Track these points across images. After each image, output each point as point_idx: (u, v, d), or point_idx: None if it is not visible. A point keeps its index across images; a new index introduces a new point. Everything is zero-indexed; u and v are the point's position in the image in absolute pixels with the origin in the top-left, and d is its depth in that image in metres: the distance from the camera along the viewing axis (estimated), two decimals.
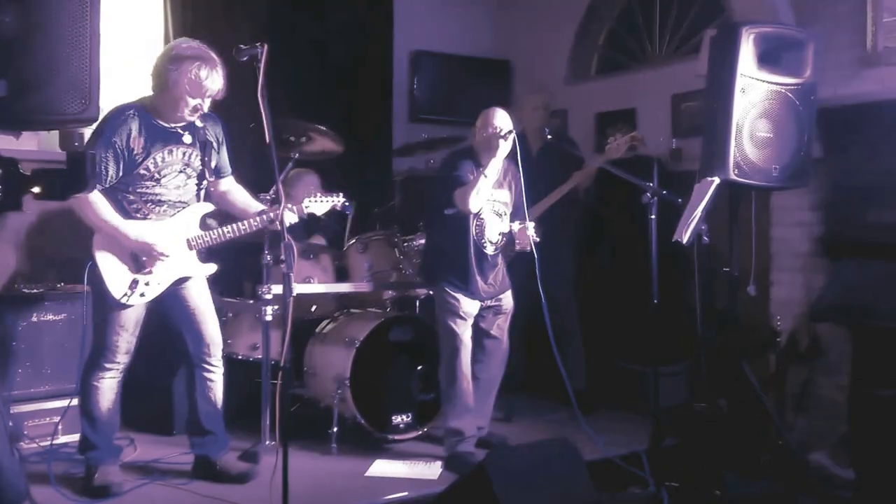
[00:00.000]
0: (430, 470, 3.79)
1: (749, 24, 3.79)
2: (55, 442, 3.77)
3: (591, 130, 5.89)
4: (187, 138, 3.44)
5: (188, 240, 3.47)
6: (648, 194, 3.59)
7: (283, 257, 2.97)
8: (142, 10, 5.11)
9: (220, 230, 3.51)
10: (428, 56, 6.35)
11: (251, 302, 4.33)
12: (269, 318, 3.96)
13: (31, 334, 4.01)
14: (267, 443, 3.90)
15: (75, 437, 3.63)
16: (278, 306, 3.94)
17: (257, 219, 3.52)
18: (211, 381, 3.59)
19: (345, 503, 3.45)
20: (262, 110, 2.91)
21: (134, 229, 3.34)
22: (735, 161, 3.71)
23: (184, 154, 3.44)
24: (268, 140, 2.99)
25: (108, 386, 3.46)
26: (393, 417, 4.15)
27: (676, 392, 4.60)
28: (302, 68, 5.51)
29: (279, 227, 3.16)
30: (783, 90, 3.82)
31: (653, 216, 3.59)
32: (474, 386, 3.93)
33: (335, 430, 4.04)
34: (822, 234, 4.44)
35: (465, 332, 3.88)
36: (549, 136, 4.34)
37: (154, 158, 3.36)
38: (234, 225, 3.52)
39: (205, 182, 3.54)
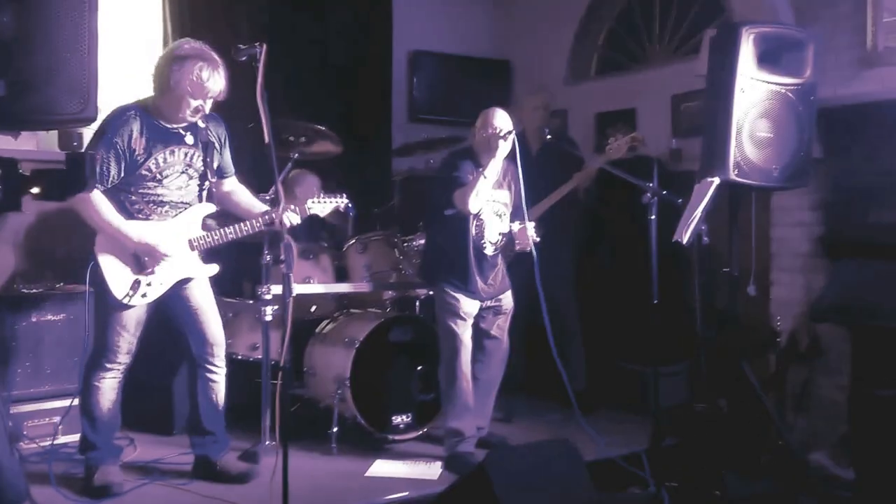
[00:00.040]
0: (430, 470, 3.79)
1: (749, 24, 3.79)
2: (55, 442, 3.76)
3: (590, 130, 5.89)
4: (189, 139, 3.44)
5: (190, 240, 3.47)
6: (648, 194, 3.58)
7: (282, 257, 2.97)
8: (141, 10, 5.11)
9: (222, 231, 3.51)
10: (427, 56, 6.35)
11: (251, 302, 4.33)
12: (268, 318, 3.96)
13: (30, 334, 4.00)
14: (267, 443, 3.90)
15: (75, 438, 3.63)
16: (278, 306, 3.94)
17: (259, 220, 3.52)
18: (213, 381, 3.59)
19: (345, 503, 3.44)
20: (262, 110, 2.91)
21: (136, 230, 3.33)
22: (735, 161, 3.71)
23: (186, 155, 3.44)
24: (267, 140, 2.99)
25: (108, 386, 3.46)
26: (393, 418, 4.15)
27: (676, 392, 4.60)
28: (301, 68, 5.51)
29: (281, 228, 3.16)
30: (783, 90, 3.82)
31: (653, 216, 3.58)
32: (474, 386, 3.93)
33: (335, 430, 4.03)
34: (823, 234, 4.44)
35: (465, 332, 3.87)
36: (548, 137, 4.33)
37: (156, 159, 3.36)
38: (237, 226, 3.52)
39: (207, 183, 3.54)
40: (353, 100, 5.85)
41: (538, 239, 3.94)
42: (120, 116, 3.32)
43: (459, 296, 3.86)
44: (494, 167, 3.78)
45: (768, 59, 3.77)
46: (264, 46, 2.99)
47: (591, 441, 3.94)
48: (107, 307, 3.37)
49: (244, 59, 3.04)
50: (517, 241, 3.93)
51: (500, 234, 3.97)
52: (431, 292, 4.12)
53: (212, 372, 3.58)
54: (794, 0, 4.52)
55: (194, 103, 3.31)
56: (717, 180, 3.65)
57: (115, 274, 3.34)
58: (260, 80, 2.93)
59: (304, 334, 4.48)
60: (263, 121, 2.93)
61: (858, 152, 4.24)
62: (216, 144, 3.54)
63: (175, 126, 3.40)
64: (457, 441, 3.86)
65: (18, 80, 2.19)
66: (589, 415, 4.25)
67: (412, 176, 5.32)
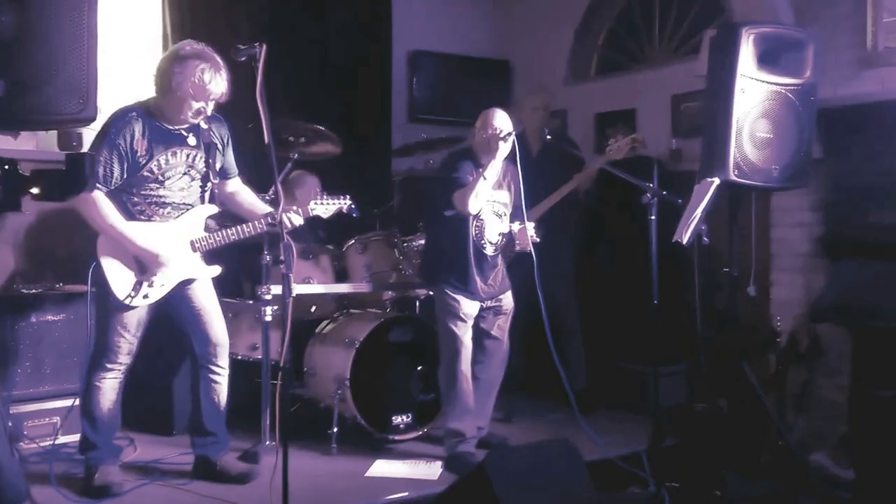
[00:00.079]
0: (431, 470, 3.79)
1: (749, 24, 3.79)
2: (55, 442, 3.76)
3: (590, 131, 5.89)
4: (192, 140, 3.44)
5: (192, 242, 3.47)
6: (648, 195, 3.58)
7: (282, 258, 2.97)
8: (141, 10, 5.11)
9: (224, 232, 3.51)
10: (427, 56, 6.35)
11: (251, 302, 4.33)
12: (268, 318, 3.96)
13: (30, 334, 4.01)
14: (267, 443, 3.90)
15: (75, 438, 3.63)
16: (278, 307, 3.94)
17: (262, 221, 3.51)
18: (216, 382, 3.59)
19: (345, 503, 3.44)
20: (261, 110, 2.91)
21: (139, 234, 3.33)
22: (735, 162, 3.71)
23: (188, 156, 3.43)
24: (267, 140, 2.98)
25: (109, 386, 3.46)
26: (393, 418, 4.15)
27: (676, 392, 4.60)
28: (301, 68, 5.51)
29: (283, 230, 3.16)
30: (783, 90, 3.81)
31: (653, 217, 3.58)
32: (474, 386, 3.92)
33: (335, 430, 4.03)
34: (822, 234, 4.44)
35: (465, 334, 3.87)
36: (548, 137, 4.33)
37: (158, 160, 3.35)
38: (239, 227, 3.52)
39: (209, 184, 3.54)
40: (353, 100, 5.84)
41: (538, 239, 3.94)
42: (122, 118, 3.32)
43: (460, 297, 3.86)
44: (494, 168, 3.78)
45: (768, 59, 3.77)
46: (264, 46, 2.98)
47: (590, 441, 3.93)
48: (108, 308, 3.37)
49: (244, 59, 3.03)
50: (517, 242, 3.93)
51: (500, 234, 3.97)
52: (431, 293, 4.12)
53: (215, 373, 3.58)
54: (794, 0, 4.52)
55: (196, 105, 3.31)
56: (717, 180, 3.64)
57: (117, 275, 3.34)
58: (259, 80, 2.92)
59: (304, 334, 4.48)
60: (263, 121, 2.92)
61: (858, 152, 4.24)
62: (219, 145, 3.53)
63: (177, 127, 3.40)
64: (457, 441, 3.85)
65: (18, 80, 2.19)
66: (589, 415, 4.24)
67: (412, 176, 5.33)
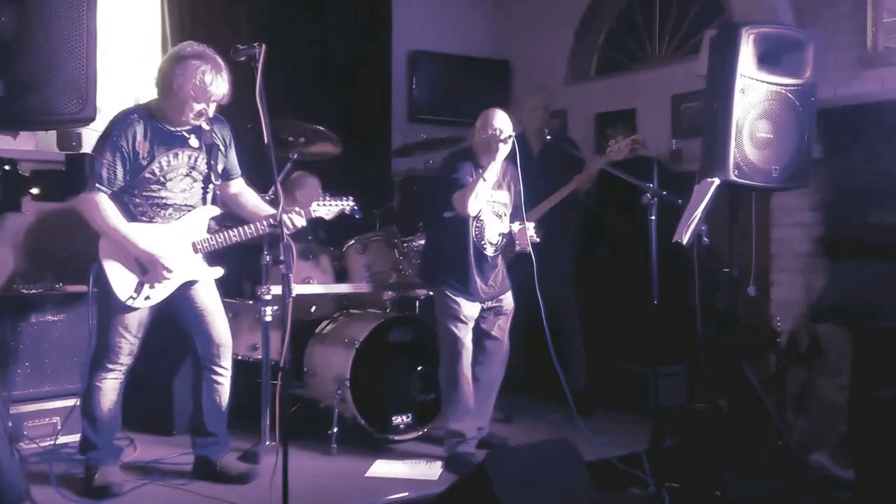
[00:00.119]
0: (431, 470, 3.79)
1: (749, 24, 3.79)
2: (56, 442, 3.76)
3: (590, 131, 5.89)
4: (193, 142, 3.44)
5: (194, 243, 3.47)
6: (648, 195, 3.58)
7: (282, 258, 2.97)
8: (140, 10, 5.11)
9: (226, 233, 3.50)
10: (427, 56, 6.35)
11: (251, 302, 4.33)
12: (268, 318, 3.96)
13: (30, 335, 4.00)
14: (267, 443, 3.90)
15: (75, 438, 3.63)
16: (278, 307, 3.94)
17: (264, 222, 3.51)
18: (218, 383, 3.59)
19: (345, 503, 3.44)
20: (261, 111, 2.91)
21: (141, 236, 3.33)
22: (735, 162, 3.71)
23: (189, 157, 3.43)
24: (266, 140, 2.98)
25: (110, 387, 3.46)
26: (393, 418, 4.14)
27: (676, 392, 4.60)
28: (301, 68, 5.51)
29: (285, 231, 3.16)
30: (783, 91, 3.81)
31: (653, 217, 3.58)
32: (475, 387, 3.92)
33: (335, 430, 4.03)
34: (823, 234, 4.44)
35: (466, 335, 3.87)
36: (548, 137, 4.33)
37: (159, 162, 3.35)
38: (241, 228, 3.51)
39: (211, 185, 3.54)
40: (353, 100, 5.84)
41: (538, 239, 3.94)
42: (124, 120, 3.32)
43: (460, 299, 3.85)
44: (493, 170, 3.77)
45: (768, 59, 3.77)
46: (263, 47, 2.98)
47: (590, 441, 3.93)
48: (109, 309, 3.38)
49: (243, 59, 3.03)
50: (517, 242, 3.93)
51: (500, 234, 3.97)
52: (431, 293, 4.12)
53: (217, 374, 3.58)
54: (794, 0, 4.52)
55: (198, 107, 3.31)
56: (717, 181, 3.64)
57: (119, 276, 3.34)
58: (259, 80, 2.92)
59: (304, 335, 4.48)
60: (263, 121, 2.92)
61: (858, 152, 4.24)
62: (221, 146, 3.53)
63: (179, 129, 3.40)
64: (457, 442, 3.85)
65: (17, 80, 2.19)
66: (589, 415, 4.24)
67: (411, 176, 5.32)
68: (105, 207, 3.26)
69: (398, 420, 4.16)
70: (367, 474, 3.75)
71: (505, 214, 3.99)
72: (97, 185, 3.22)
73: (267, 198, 3.88)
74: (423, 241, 4.45)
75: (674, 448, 3.90)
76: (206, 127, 3.45)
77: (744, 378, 3.93)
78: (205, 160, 3.47)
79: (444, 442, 3.92)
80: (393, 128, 6.08)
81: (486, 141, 3.82)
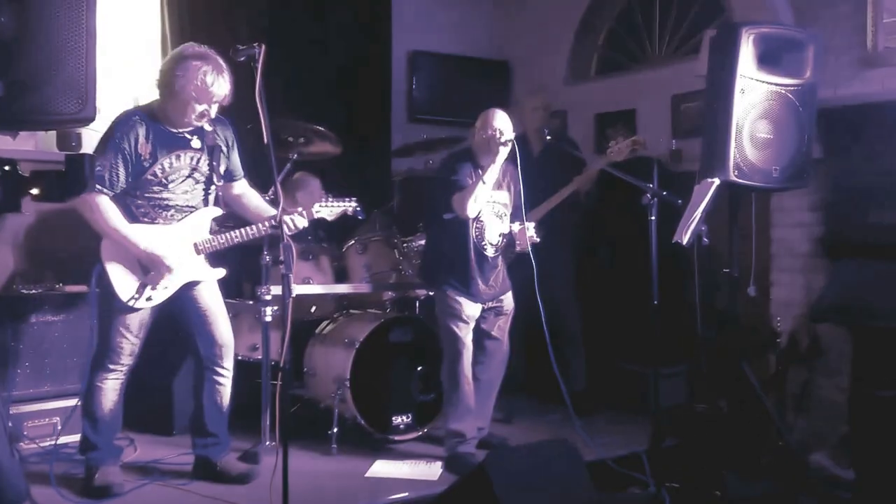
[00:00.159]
0: (431, 471, 3.79)
1: (749, 24, 3.79)
2: (56, 442, 3.76)
3: (590, 131, 5.89)
4: (196, 143, 3.43)
5: (196, 244, 3.47)
6: (648, 195, 3.58)
7: (282, 258, 2.97)
8: (141, 10, 5.11)
9: (228, 234, 3.50)
10: (426, 56, 6.34)
11: (251, 303, 4.33)
12: (268, 318, 3.96)
13: (30, 335, 4.00)
14: (267, 443, 3.91)
15: (76, 438, 3.63)
16: (278, 307, 3.94)
17: (267, 223, 3.51)
18: (220, 384, 3.59)
19: (345, 503, 3.44)
20: (260, 111, 2.91)
21: (143, 237, 3.33)
22: (735, 162, 3.70)
23: (191, 159, 3.43)
24: (266, 140, 2.98)
25: (111, 387, 3.46)
26: (393, 418, 4.14)
27: (677, 393, 4.60)
28: (301, 68, 5.51)
29: (287, 232, 3.16)
30: (783, 91, 3.81)
31: (653, 217, 3.58)
32: (475, 387, 3.92)
33: (335, 430, 4.03)
34: (823, 234, 4.44)
35: (466, 335, 3.87)
36: (548, 137, 4.33)
37: (161, 164, 3.35)
38: (243, 229, 3.51)
39: (213, 187, 3.53)
40: (353, 100, 5.84)
41: (538, 239, 3.94)
42: (126, 122, 3.31)
43: (461, 299, 3.85)
44: (493, 173, 3.76)
45: (768, 59, 3.76)
46: (263, 47, 2.98)
47: (590, 443, 3.93)
48: (111, 309, 3.38)
49: (243, 59, 3.03)
50: (517, 242, 3.93)
51: (500, 234, 3.97)
52: (432, 293, 4.12)
53: (219, 374, 3.58)
54: (794, 0, 4.52)
55: (199, 108, 3.31)
56: (717, 181, 3.64)
57: (121, 277, 3.35)
58: (258, 80, 2.92)
59: (304, 335, 4.48)
60: (262, 121, 2.92)
61: (858, 153, 4.24)
62: (223, 148, 3.53)
63: (181, 130, 3.40)
64: (457, 442, 3.85)
65: (17, 80, 2.19)
66: (589, 415, 4.23)
67: (411, 176, 5.32)
68: (106, 209, 3.26)
69: (398, 420, 4.16)
70: (367, 474, 3.75)
71: (505, 215, 3.99)
72: (98, 186, 3.22)
73: (267, 198, 3.88)
74: (423, 242, 4.45)
75: (674, 448, 3.90)
76: (208, 128, 3.45)
77: (744, 378, 3.93)
78: (207, 161, 3.47)
79: (445, 442, 3.92)
80: (393, 128, 6.08)
81: (486, 141, 3.82)
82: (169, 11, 5.06)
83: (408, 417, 4.19)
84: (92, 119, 2.35)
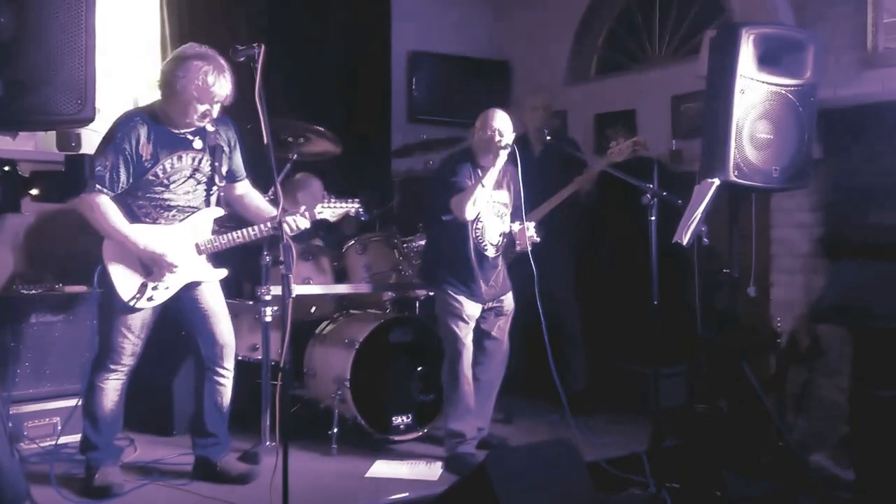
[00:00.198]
0: (431, 471, 3.79)
1: (749, 24, 3.79)
2: (56, 442, 3.76)
3: (590, 131, 5.89)
4: (197, 143, 3.43)
5: (197, 244, 3.47)
6: (648, 196, 3.58)
7: (282, 258, 2.97)
8: (140, 10, 5.11)
9: (230, 235, 3.50)
10: (426, 56, 6.34)
11: (250, 303, 4.33)
12: (268, 319, 3.96)
13: (30, 335, 4.00)
14: (267, 444, 3.90)
15: (76, 438, 3.63)
16: (278, 307, 3.94)
17: (268, 224, 3.50)
18: (221, 385, 3.59)
19: (344, 503, 3.45)
20: (260, 111, 2.91)
21: (144, 237, 3.33)
22: (735, 162, 3.71)
23: (193, 159, 3.43)
24: (266, 141, 2.98)
25: (112, 387, 3.46)
26: (393, 418, 4.14)
27: (677, 393, 4.60)
28: (301, 68, 5.51)
29: (288, 233, 3.15)
30: (783, 91, 3.81)
31: (653, 217, 3.58)
32: (475, 387, 3.92)
33: (335, 430, 4.03)
34: (823, 234, 4.44)
35: (467, 335, 3.87)
36: (548, 137, 4.33)
37: (163, 164, 3.35)
38: (245, 230, 3.51)
39: (214, 187, 3.53)
40: (353, 100, 5.84)
41: (538, 239, 3.94)
42: (127, 123, 3.31)
43: (462, 298, 3.85)
44: (492, 176, 3.76)
45: (768, 59, 3.77)
46: (262, 47, 2.98)
47: (591, 441, 3.93)
48: (112, 309, 3.38)
49: (242, 59, 3.03)
50: (517, 242, 3.93)
51: (500, 234, 3.96)
52: (432, 293, 4.11)
53: (220, 374, 3.58)
54: (794, 0, 4.52)
55: (201, 108, 3.30)
56: (717, 181, 3.64)
57: (123, 278, 3.34)
58: (258, 80, 2.92)
59: (304, 335, 4.48)
60: (262, 121, 2.92)
61: (858, 153, 4.24)
62: (225, 148, 3.52)
63: (182, 131, 3.39)
64: (457, 442, 3.85)
65: (16, 80, 2.19)
66: (589, 415, 4.23)
67: (411, 177, 5.33)
68: (106, 208, 3.26)
69: (398, 420, 4.16)
70: (367, 475, 3.74)
71: (505, 214, 3.98)
72: (98, 186, 3.22)
73: (267, 198, 3.88)
74: (423, 242, 4.45)
75: (674, 448, 3.90)
76: (210, 128, 3.44)
77: (744, 378, 3.93)
78: (208, 162, 3.47)
79: (445, 442, 3.91)
80: (393, 128, 6.08)
81: (486, 141, 3.82)
82: (168, 11, 5.06)
83: (408, 418, 4.19)
84: (91, 119, 2.35)
